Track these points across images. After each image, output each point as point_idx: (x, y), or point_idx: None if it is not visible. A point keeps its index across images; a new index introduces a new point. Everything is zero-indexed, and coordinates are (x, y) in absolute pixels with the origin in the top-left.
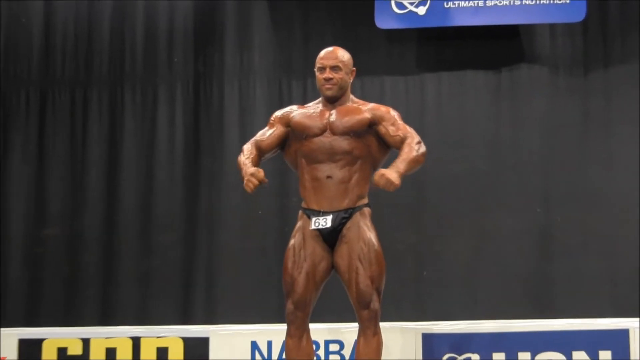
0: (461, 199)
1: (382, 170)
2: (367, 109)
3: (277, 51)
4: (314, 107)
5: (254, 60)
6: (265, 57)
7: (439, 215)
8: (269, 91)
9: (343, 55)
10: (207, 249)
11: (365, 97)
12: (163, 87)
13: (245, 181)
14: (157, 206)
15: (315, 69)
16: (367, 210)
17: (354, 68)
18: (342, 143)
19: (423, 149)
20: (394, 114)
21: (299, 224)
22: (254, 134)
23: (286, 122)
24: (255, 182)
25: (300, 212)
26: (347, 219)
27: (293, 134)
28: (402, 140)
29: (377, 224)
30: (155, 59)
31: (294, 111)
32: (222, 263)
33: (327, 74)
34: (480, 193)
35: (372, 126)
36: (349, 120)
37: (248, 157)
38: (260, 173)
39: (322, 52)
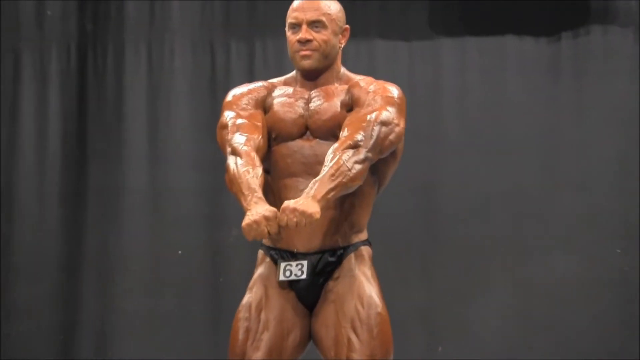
0: (496, 233)
1: (291, 204)
2: (345, 91)
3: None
4: (284, 87)
5: (172, 11)
6: (190, 8)
7: (460, 260)
8: (195, 60)
9: (329, 4)
10: (98, 309)
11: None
12: (29, 54)
13: (248, 222)
14: (18, 243)
15: (286, 28)
16: (366, 250)
17: (347, 25)
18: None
19: (356, 168)
20: (386, 94)
21: (258, 271)
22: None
23: (262, 106)
24: (265, 232)
25: (260, 252)
26: (336, 264)
27: None
28: (342, 138)
29: None
30: (17, 11)
31: (269, 91)
32: (121, 330)
33: (304, 33)
34: (527, 224)
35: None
36: (327, 113)
37: (252, 173)
38: (277, 221)
39: (297, 1)
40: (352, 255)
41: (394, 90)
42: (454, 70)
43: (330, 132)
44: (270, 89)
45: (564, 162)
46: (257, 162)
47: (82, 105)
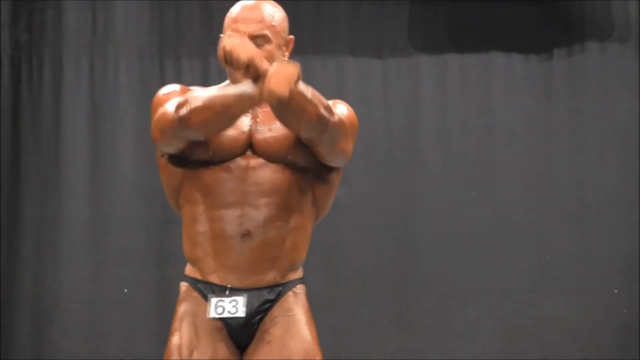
0: (480, 270)
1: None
2: None
3: (156, 9)
4: None
5: (116, 21)
6: (137, 17)
7: (440, 300)
8: (142, 75)
9: (272, 13)
10: (32, 352)
11: None
12: None
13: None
14: None
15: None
16: (301, 289)
17: (291, 36)
18: (275, 175)
19: (331, 116)
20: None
21: (183, 308)
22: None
23: None
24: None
25: (183, 285)
26: (273, 302)
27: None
28: None
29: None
30: None
31: None
32: None
33: None
34: (514, 260)
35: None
36: (279, 131)
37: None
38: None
39: (237, 8)
40: (290, 293)
41: (344, 108)
42: (435, 93)
43: (279, 153)
44: None
45: (556, 191)
46: None
47: (15, 125)
